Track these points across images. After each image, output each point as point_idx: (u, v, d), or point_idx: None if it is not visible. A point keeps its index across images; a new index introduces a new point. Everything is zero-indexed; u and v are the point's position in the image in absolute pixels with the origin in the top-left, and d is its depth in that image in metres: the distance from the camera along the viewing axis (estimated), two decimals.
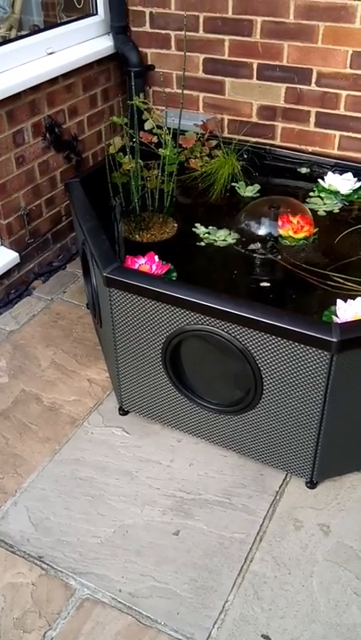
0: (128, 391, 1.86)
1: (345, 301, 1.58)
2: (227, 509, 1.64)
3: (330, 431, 1.58)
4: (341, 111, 2.36)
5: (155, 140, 2.24)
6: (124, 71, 2.63)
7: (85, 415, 1.92)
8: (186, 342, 1.66)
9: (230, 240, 1.94)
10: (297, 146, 2.50)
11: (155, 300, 1.60)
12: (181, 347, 1.67)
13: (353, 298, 1.60)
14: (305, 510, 1.63)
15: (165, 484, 1.71)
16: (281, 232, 1.92)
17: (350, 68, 2.25)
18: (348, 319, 1.55)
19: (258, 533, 1.58)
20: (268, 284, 1.78)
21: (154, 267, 1.75)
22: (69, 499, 1.68)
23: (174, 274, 1.78)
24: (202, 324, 1.56)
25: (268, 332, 1.48)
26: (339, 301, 1.58)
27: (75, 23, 2.47)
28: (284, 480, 1.72)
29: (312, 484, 1.69)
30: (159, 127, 2.24)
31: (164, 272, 1.76)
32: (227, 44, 2.43)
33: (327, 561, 1.52)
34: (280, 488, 1.69)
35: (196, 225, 2.02)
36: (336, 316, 1.57)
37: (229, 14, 2.36)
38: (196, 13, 2.41)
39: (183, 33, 2.42)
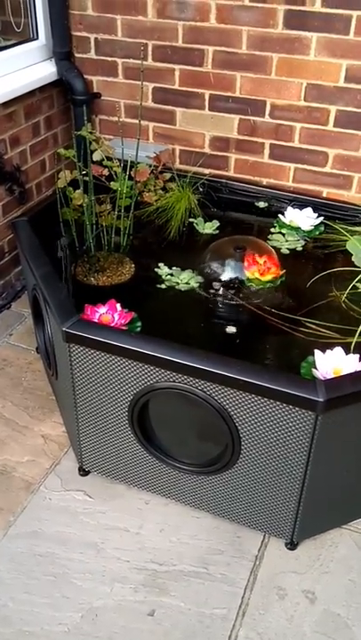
0: (89, 450, 1.70)
1: (323, 352, 1.50)
2: (205, 581, 1.51)
3: (312, 490, 1.49)
4: (296, 143, 2.31)
5: (105, 172, 2.11)
6: (68, 98, 2.49)
7: (42, 478, 1.75)
8: (155, 399, 1.53)
9: (193, 283, 1.83)
10: (251, 177, 2.44)
11: (121, 357, 1.46)
12: (150, 404, 1.54)
13: (329, 346, 1.53)
14: (287, 576, 1.53)
15: (135, 555, 1.56)
16: (247, 274, 1.83)
17: (304, 100, 2.21)
18: (328, 371, 1.47)
19: (240, 607, 1.46)
20: (237, 332, 1.68)
21: (116, 316, 1.62)
22: (29, 580, 1.51)
23: (139, 323, 1.65)
24: (174, 381, 1.44)
25: (247, 390, 1.38)
26: (317, 352, 1.50)
27: (14, 48, 2.31)
28: (262, 542, 1.61)
29: (293, 545, 1.59)
30: (109, 158, 2.12)
31: (127, 322, 1.62)
32: (177, 73, 2.34)
33: (315, 633, 1.42)
34: (259, 551, 1.58)
35: (160, 265, 1.90)
36: (315, 367, 1.49)
37: (180, 43, 2.27)
38: (144, 41, 2.31)
39: (134, 61, 2.32)
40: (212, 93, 2.33)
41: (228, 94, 2.30)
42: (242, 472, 1.52)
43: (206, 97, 2.35)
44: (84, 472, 1.76)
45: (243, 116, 2.33)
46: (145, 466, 1.65)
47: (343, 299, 1.76)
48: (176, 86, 2.37)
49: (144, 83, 2.40)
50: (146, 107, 2.44)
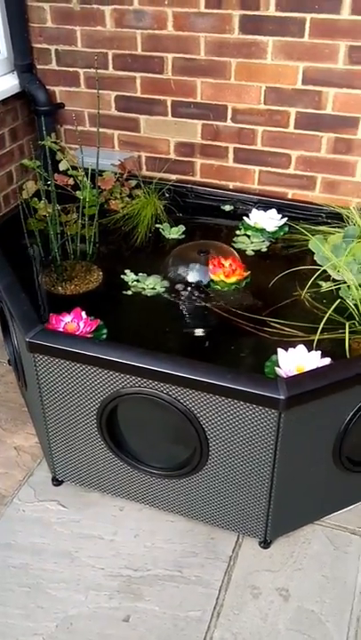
0: (61, 460, 1.70)
1: (286, 350, 1.52)
2: (179, 584, 1.52)
3: (281, 487, 1.50)
4: (259, 146, 2.34)
5: (71, 182, 2.11)
6: (32, 110, 2.49)
7: (15, 490, 1.74)
8: (123, 405, 1.53)
9: (159, 288, 1.84)
10: (218, 182, 2.46)
11: (86, 365, 1.46)
12: (118, 410, 1.55)
13: (293, 345, 1.54)
14: (261, 574, 1.54)
15: (110, 562, 1.56)
16: (212, 277, 1.84)
17: (264, 103, 2.24)
18: (291, 369, 1.49)
19: (215, 608, 1.47)
20: (204, 334, 1.70)
21: (81, 324, 1.62)
22: (3, 592, 1.50)
23: (104, 331, 1.65)
24: (139, 386, 1.45)
25: (211, 392, 1.39)
26: (280, 351, 1.52)
27: None
28: (236, 542, 1.61)
29: (266, 544, 1.60)
30: (74, 168, 2.13)
31: (92, 329, 1.63)
32: (138, 81, 2.36)
33: (290, 630, 1.42)
34: (233, 552, 1.59)
35: (126, 272, 1.91)
36: (278, 366, 1.51)
37: (139, 51, 2.29)
38: (104, 50, 2.33)
39: (93, 70, 2.32)
40: (174, 100, 2.35)
41: (190, 100, 2.33)
42: (212, 473, 1.53)
43: (169, 103, 2.37)
44: (57, 482, 1.76)
45: (205, 121, 2.35)
46: (117, 472, 1.65)
47: (307, 297, 1.79)
48: (138, 94, 2.39)
49: (107, 91, 2.42)
50: (109, 115, 2.45)
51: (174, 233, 2.12)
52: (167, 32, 2.21)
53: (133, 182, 2.33)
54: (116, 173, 2.30)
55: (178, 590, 1.50)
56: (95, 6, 2.25)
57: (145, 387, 1.44)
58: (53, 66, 2.44)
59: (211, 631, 1.42)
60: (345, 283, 1.77)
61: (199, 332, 1.71)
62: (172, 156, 2.46)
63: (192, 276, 1.85)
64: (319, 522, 1.66)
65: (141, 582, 1.52)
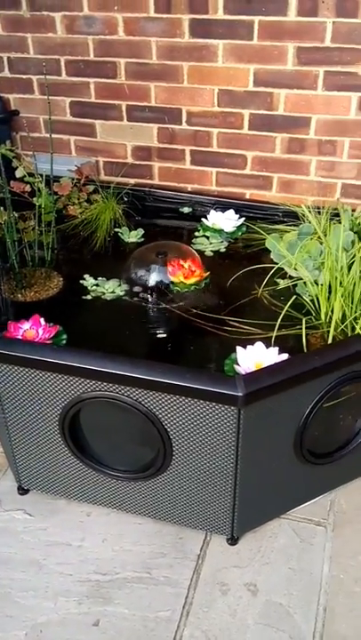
0: (26, 468, 1.69)
1: (244, 347, 1.54)
2: (148, 585, 1.52)
3: (246, 484, 1.52)
4: (215, 148, 2.36)
5: (27, 188, 2.11)
6: None
7: None
8: (85, 410, 1.53)
9: (119, 292, 1.85)
10: (176, 184, 2.48)
11: (46, 371, 1.46)
12: (80, 415, 1.54)
13: (252, 342, 1.56)
14: (229, 571, 1.55)
15: (78, 568, 1.56)
16: (172, 279, 1.86)
17: (218, 106, 2.26)
18: (250, 366, 1.51)
19: (184, 607, 1.47)
20: (164, 336, 1.71)
21: (40, 331, 1.62)
22: None
23: (64, 336, 1.65)
24: (100, 390, 1.45)
25: (171, 392, 1.40)
26: (239, 349, 1.54)
27: None
28: (204, 540, 1.63)
29: (233, 540, 1.62)
30: (31, 175, 2.12)
31: (52, 336, 1.62)
32: (92, 86, 2.37)
33: (258, 624, 1.44)
34: (201, 550, 1.60)
35: (85, 277, 1.91)
36: (237, 363, 1.53)
37: (91, 57, 2.30)
38: (56, 57, 2.33)
39: (48, 77, 2.32)
40: (128, 104, 2.36)
41: (145, 104, 2.34)
42: (176, 473, 1.54)
43: (123, 108, 2.38)
44: (23, 491, 1.75)
45: (161, 125, 2.37)
46: (82, 478, 1.65)
47: (265, 295, 1.81)
48: (93, 99, 2.39)
49: (61, 97, 2.42)
50: (65, 121, 2.45)
51: (133, 236, 2.13)
52: (118, 37, 2.22)
53: (91, 187, 2.33)
54: (73, 179, 2.30)
55: (147, 591, 1.51)
56: (45, 13, 2.25)
57: (106, 390, 1.45)
58: (6, 73, 2.43)
59: (180, 630, 1.43)
60: (301, 279, 1.80)
61: (160, 333, 1.72)
62: (130, 160, 2.48)
63: (152, 279, 1.86)
64: (285, 516, 1.68)
65: (110, 586, 1.52)
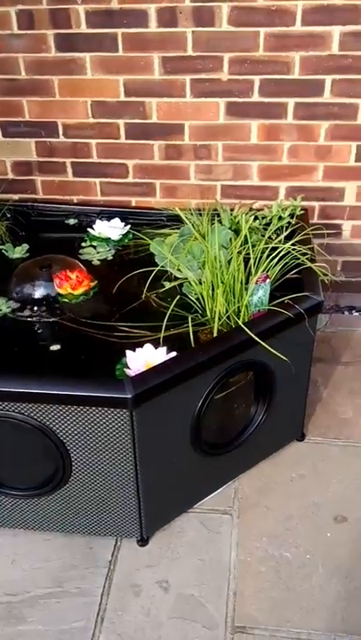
0: None
1: (134, 351, 1.57)
2: (61, 599, 1.51)
3: (148, 484, 1.54)
4: (95, 159, 2.39)
5: None
6: None
7: None
8: None
9: (5, 309, 1.82)
10: (62, 197, 2.48)
11: None
12: None
13: (141, 345, 1.60)
14: (141, 572, 1.57)
15: None
16: (59, 291, 1.86)
17: (93, 117, 2.29)
18: (141, 368, 1.54)
19: (98, 614, 1.48)
20: (55, 349, 1.70)
21: None
22: None
23: None
24: None
25: (63, 402, 1.41)
26: (128, 352, 1.57)
27: None
28: (115, 546, 1.64)
29: (144, 541, 1.64)
30: None
31: None
32: None
33: (172, 619, 1.47)
34: (113, 556, 1.61)
35: None
36: (128, 367, 1.55)
37: None
38: None
39: None
40: (2, 120, 2.34)
41: (19, 119, 2.33)
42: (78, 484, 1.54)
43: None
44: None
45: (38, 139, 2.36)
46: None
47: (153, 298, 1.85)
48: None
49: None
50: None
51: (18, 252, 2.11)
52: None
53: None
54: None
55: (60, 605, 1.50)
56: None
57: None
58: None
59: (96, 637, 1.43)
60: (186, 279, 1.86)
61: (50, 347, 1.71)
62: (11, 175, 2.45)
63: (38, 293, 1.85)
64: (192, 509, 1.73)
65: (22, 605, 1.50)
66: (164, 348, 1.57)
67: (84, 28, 2.11)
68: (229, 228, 2.01)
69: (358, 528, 1.67)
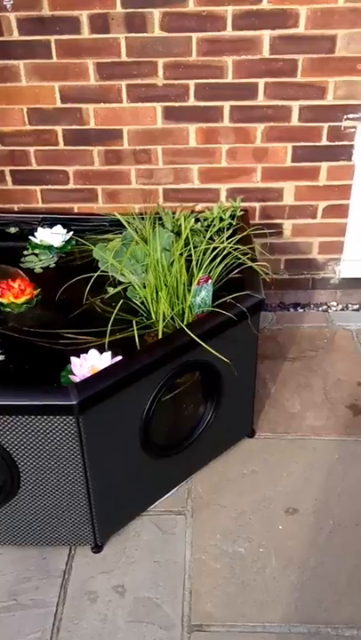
0: None
1: (78, 357, 1.57)
2: (15, 612, 1.49)
3: (100, 490, 1.54)
4: (34, 166, 2.37)
5: None
6: None
7: None
8: None
9: None
10: (2, 206, 2.45)
11: None
12: None
13: (86, 351, 1.59)
14: (96, 578, 1.57)
15: None
16: (1, 300, 1.83)
17: (30, 124, 2.27)
18: (86, 374, 1.53)
19: (54, 624, 1.46)
20: (1, 358, 1.68)
21: None
22: None
23: None
24: None
25: (6, 413, 1.39)
26: (72, 359, 1.56)
27: None
28: (69, 555, 1.63)
29: (98, 548, 1.63)
30: None
31: None
32: None
33: (129, 623, 1.47)
34: (67, 565, 1.60)
35: None
36: (73, 374, 1.55)
37: None
38: None
39: None
40: None
41: None
42: (28, 495, 1.52)
43: None
44: None
45: None
46: None
47: (97, 303, 1.85)
48: None
49: None
50: None
51: None
52: None
53: None
54: None
55: (15, 619, 1.48)
56: None
57: None
58: None
59: None
60: (130, 284, 1.86)
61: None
62: None
63: None
64: (146, 512, 1.73)
65: None
66: (109, 353, 1.57)
67: (16, 36, 2.09)
68: (171, 231, 2.02)
69: (309, 519, 1.71)
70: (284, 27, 2.06)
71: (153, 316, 1.76)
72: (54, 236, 2.18)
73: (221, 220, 2.14)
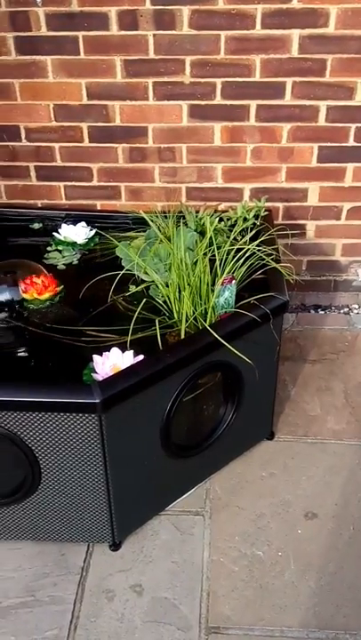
0: None
1: (101, 355, 1.57)
2: (33, 608, 1.49)
3: (119, 488, 1.54)
4: (59, 163, 2.37)
5: None
6: None
7: None
8: None
9: None
10: (26, 201, 2.45)
11: None
12: None
13: (109, 349, 1.59)
14: (114, 576, 1.57)
15: None
16: (25, 296, 1.84)
17: (56, 120, 2.27)
18: (108, 372, 1.53)
19: (71, 622, 1.47)
20: (22, 355, 1.69)
21: None
22: None
23: None
24: None
25: (30, 409, 1.39)
26: (94, 357, 1.56)
27: None
28: (87, 552, 1.63)
29: (116, 546, 1.63)
30: None
31: None
32: None
33: (146, 623, 1.47)
34: (85, 562, 1.60)
35: None
36: (95, 372, 1.55)
37: None
38: None
39: None
40: None
41: None
42: (48, 491, 1.53)
43: None
44: None
45: (0, 143, 2.33)
46: None
47: (120, 301, 1.85)
48: None
49: None
50: None
51: None
52: None
53: None
54: None
55: (32, 615, 1.48)
56: None
57: None
58: None
59: None
60: (153, 282, 1.86)
61: (16, 354, 1.69)
62: None
63: (3, 298, 1.83)
64: (164, 512, 1.73)
65: None
66: (132, 352, 1.57)
67: (44, 31, 2.09)
68: (195, 230, 2.01)
69: (328, 524, 1.69)
70: (313, 26, 2.04)
71: (175, 316, 1.76)
72: (78, 233, 2.18)
73: (245, 219, 2.13)
